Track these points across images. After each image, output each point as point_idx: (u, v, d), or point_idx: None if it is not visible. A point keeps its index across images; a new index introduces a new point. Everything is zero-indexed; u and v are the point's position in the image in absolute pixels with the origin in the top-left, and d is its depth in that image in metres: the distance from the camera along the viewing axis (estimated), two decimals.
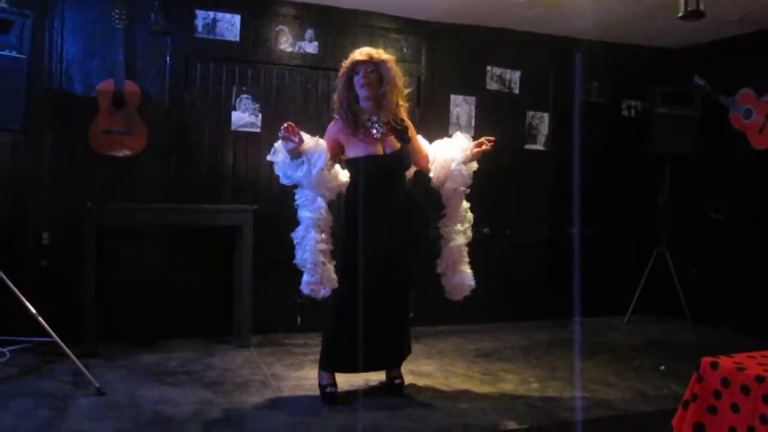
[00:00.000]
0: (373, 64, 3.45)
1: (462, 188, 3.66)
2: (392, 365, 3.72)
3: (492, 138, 3.67)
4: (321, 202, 3.38)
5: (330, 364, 3.57)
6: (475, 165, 3.72)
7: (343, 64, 3.52)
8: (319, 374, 3.60)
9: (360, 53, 3.47)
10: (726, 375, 2.48)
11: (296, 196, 3.46)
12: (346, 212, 3.50)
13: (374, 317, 3.47)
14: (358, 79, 3.45)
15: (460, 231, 3.67)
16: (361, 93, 3.46)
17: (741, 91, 5.35)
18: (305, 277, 3.38)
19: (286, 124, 3.29)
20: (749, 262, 5.26)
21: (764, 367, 2.47)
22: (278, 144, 3.45)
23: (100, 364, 3.94)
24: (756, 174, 5.27)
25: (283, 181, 3.48)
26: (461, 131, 5.29)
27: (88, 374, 3.50)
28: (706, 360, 2.57)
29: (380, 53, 3.50)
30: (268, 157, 3.51)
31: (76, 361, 3.53)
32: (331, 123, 3.59)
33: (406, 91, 3.65)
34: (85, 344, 4.08)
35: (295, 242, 3.43)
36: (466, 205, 3.71)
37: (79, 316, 4.12)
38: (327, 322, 3.59)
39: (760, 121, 5.19)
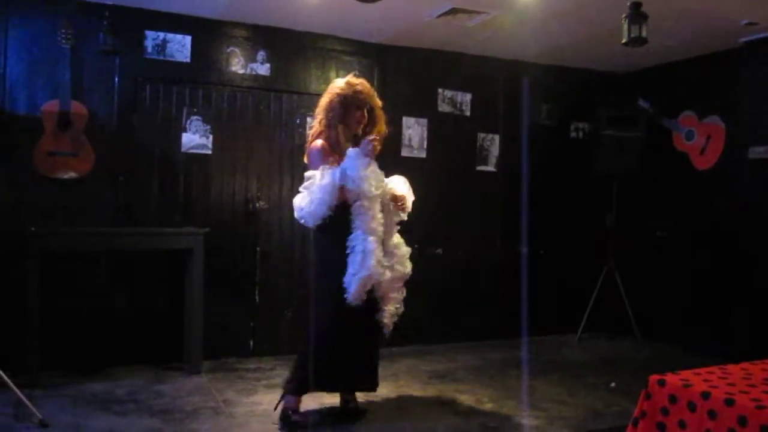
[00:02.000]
0: (371, 105, 3.67)
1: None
2: (370, 387, 3.71)
3: (409, 208, 3.74)
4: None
5: (305, 385, 3.53)
6: (403, 216, 3.76)
7: (348, 90, 3.59)
8: (288, 398, 3.56)
9: (368, 92, 3.65)
10: (673, 392, 2.53)
11: (358, 210, 3.43)
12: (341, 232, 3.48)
13: (359, 338, 3.52)
14: (358, 114, 3.62)
15: (387, 266, 3.59)
16: (354, 126, 3.62)
17: (683, 114, 5.55)
18: (359, 287, 3.37)
19: (373, 137, 3.49)
20: (694, 278, 5.42)
21: (709, 383, 2.53)
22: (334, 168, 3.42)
23: (44, 395, 3.80)
24: (698, 193, 5.45)
25: (331, 198, 3.41)
26: (413, 153, 5.44)
27: (31, 405, 3.37)
28: (654, 378, 2.62)
29: (376, 96, 3.72)
30: (333, 178, 3.42)
31: (17, 391, 3.39)
32: (320, 142, 3.56)
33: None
34: (28, 374, 3.92)
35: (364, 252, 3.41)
36: (397, 240, 3.70)
37: (21, 344, 3.97)
38: (314, 342, 3.52)
39: (701, 142, 5.38)
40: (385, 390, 4.14)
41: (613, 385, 4.36)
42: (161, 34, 4.68)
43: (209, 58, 4.83)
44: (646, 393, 2.64)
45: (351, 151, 3.45)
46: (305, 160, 3.71)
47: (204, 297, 4.44)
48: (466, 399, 4.03)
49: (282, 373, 4.48)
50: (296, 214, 3.57)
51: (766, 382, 2.58)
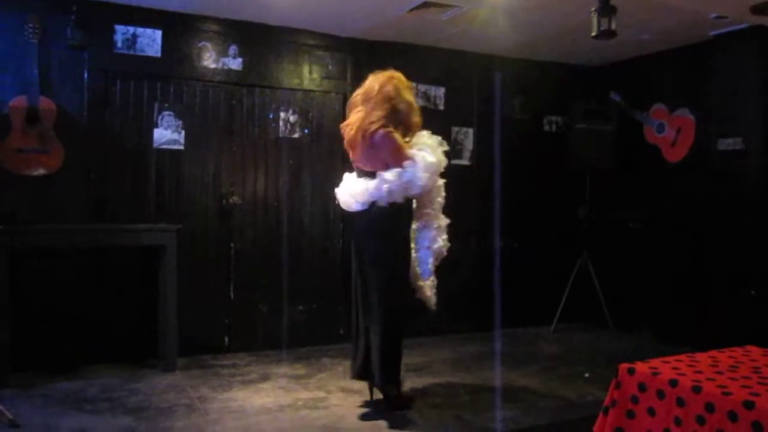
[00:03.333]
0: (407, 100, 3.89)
1: None
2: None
3: None
4: None
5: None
6: None
7: (407, 84, 3.86)
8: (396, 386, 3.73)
9: (406, 86, 3.88)
10: (642, 380, 2.56)
11: (438, 189, 3.94)
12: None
13: None
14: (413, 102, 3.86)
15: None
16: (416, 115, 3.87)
17: (654, 107, 5.61)
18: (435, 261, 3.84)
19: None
20: (665, 269, 5.49)
21: (677, 371, 2.56)
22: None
23: (14, 394, 3.75)
24: (669, 185, 5.52)
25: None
26: None
27: (0, 405, 3.32)
28: (624, 366, 2.65)
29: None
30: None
31: None
32: (392, 132, 3.66)
33: None
34: None
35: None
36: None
37: None
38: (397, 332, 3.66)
39: (671, 135, 5.44)
40: (360, 384, 4.13)
41: (587, 375, 4.41)
42: (131, 29, 4.62)
43: (180, 52, 4.78)
44: (616, 382, 2.67)
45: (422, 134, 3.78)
46: (368, 149, 3.67)
47: (178, 294, 4.41)
48: (442, 392, 4.05)
49: (257, 369, 4.48)
50: (382, 190, 3.60)
51: (732, 369, 2.62)
